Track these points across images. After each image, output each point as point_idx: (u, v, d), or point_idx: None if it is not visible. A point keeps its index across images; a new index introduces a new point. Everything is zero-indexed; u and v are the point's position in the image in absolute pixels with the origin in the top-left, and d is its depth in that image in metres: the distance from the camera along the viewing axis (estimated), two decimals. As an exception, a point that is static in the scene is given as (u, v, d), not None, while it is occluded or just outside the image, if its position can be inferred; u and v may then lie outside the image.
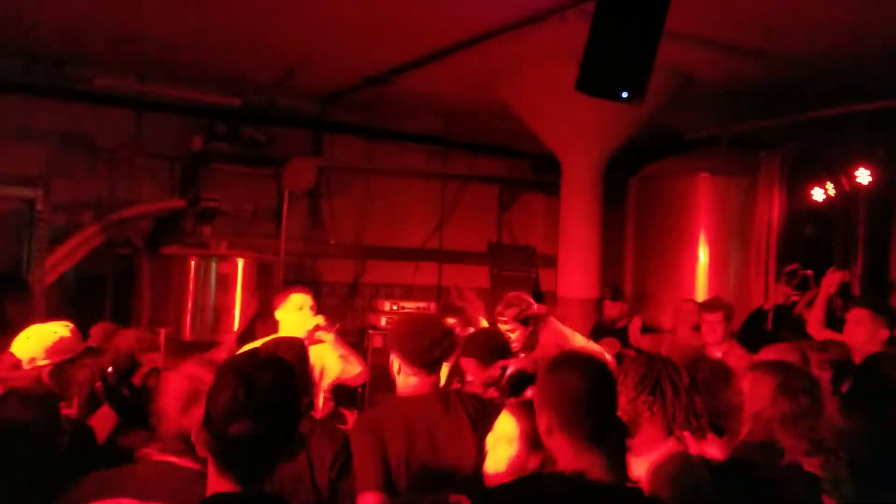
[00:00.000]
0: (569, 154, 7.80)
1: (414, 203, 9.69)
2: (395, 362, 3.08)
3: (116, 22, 6.30)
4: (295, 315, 4.36)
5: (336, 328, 4.64)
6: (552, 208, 8.84)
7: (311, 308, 4.44)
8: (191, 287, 6.96)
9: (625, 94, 4.77)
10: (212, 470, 1.78)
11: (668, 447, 2.48)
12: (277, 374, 1.79)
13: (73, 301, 7.44)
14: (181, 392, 2.23)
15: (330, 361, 4.51)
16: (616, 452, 2.11)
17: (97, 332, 3.89)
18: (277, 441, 1.77)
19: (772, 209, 7.80)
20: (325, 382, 4.50)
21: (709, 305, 5.44)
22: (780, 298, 5.81)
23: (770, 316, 5.79)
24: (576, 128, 7.44)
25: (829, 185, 7.75)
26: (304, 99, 8.45)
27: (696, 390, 2.58)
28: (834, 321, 5.31)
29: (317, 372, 4.12)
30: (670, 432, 2.51)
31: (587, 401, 2.07)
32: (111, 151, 7.75)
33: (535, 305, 5.24)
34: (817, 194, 7.86)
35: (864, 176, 7.41)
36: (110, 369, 3.45)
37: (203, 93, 7.83)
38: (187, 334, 6.91)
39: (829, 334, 4.92)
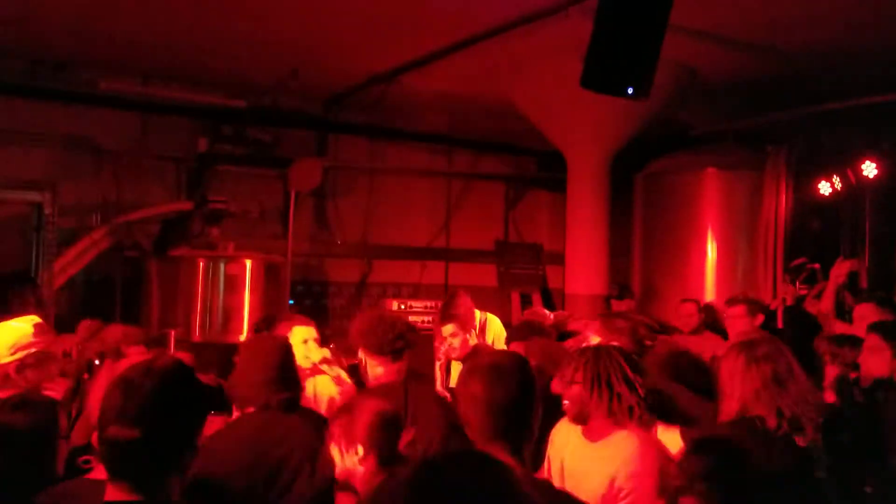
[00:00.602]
0: (574, 151, 7.79)
1: (420, 202, 9.69)
2: (362, 357, 3.40)
3: (120, 25, 6.32)
4: (299, 348, 4.16)
5: (345, 364, 4.59)
6: (559, 205, 8.83)
7: (316, 340, 4.35)
8: (199, 288, 6.97)
9: (630, 90, 4.76)
10: (108, 479, 1.79)
11: (620, 436, 2.77)
12: (163, 382, 1.80)
13: (83, 304, 7.46)
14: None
15: (326, 393, 4.28)
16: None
17: (82, 328, 3.89)
18: (160, 448, 1.77)
19: (779, 203, 7.77)
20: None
21: (730, 300, 5.46)
22: (789, 300, 5.80)
23: (779, 314, 5.78)
24: (581, 124, 7.43)
25: (836, 179, 7.72)
26: (309, 99, 8.47)
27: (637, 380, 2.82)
28: (843, 312, 5.30)
29: (323, 405, 4.00)
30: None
31: (487, 405, 2.24)
32: (117, 154, 7.77)
33: (551, 315, 5.41)
34: (824, 188, 7.83)
35: (870, 169, 7.38)
36: (96, 361, 3.48)
37: (208, 95, 7.85)
38: (197, 335, 6.92)
39: (840, 326, 4.91)
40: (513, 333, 4.62)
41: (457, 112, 8.99)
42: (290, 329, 4.27)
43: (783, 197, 7.76)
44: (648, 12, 4.61)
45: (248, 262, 7.22)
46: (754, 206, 7.89)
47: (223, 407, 3.46)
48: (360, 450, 2.52)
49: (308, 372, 4.11)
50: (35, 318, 3.26)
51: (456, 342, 4.74)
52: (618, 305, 7.24)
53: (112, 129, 7.76)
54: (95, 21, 6.23)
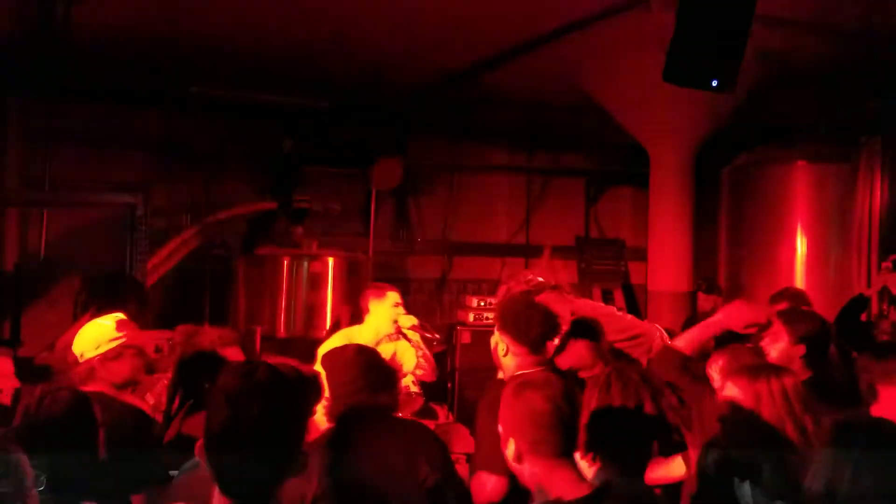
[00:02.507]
0: (657, 145, 7.64)
1: (500, 198, 9.69)
2: (502, 345, 3.19)
3: (207, 31, 6.51)
4: (391, 310, 4.69)
5: (431, 336, 4.88)
6: (641, 200, 8.69)
7: (402, 306, 4.81)
8: (284, 286, 7.15)
9: (714, 83, 4.65)
10: (214, 487, 1.81)
11: None
12: (268, 398, 1.77)
13: (174, 301, 7.75)
14: None
15: (407, 357, 4.72)
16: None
17: (179, 333, 4.06)
18: (270, 464, 1.78)
19: (874, 197, 7.45)
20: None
21: (777, 296, 5.34)
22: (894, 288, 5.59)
23: (874, 303, 5.59)
24: (664, 118, 7.28)
25: (936, 171, 7.38)
26: (390, 99, 8.55)
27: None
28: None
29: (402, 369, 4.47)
30: None
31: (551, 420, 2.15)
32: (206, 156, 8.02)
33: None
34: (923, 180, 7.49)
35: (972, 159, 7.03)
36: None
37: (292, 96, 8.02)
38: (282, 332, 7.09)
39: None
40: None
41: (537, 108, 8.93)
42: (385, 293, 4.71)
43: (878, 190, 7.44)
44: (733, 2, 4.49)
45: (331, 260, 7.35)
46: (847, 200, 7.59)
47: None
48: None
49: (393, 335, 4.65)
50: (118, 315, 3.42)
51: None
52: (705, 300, 7.09)
53: (201, 132, 8.01)
54: (183, 29, 6.43)
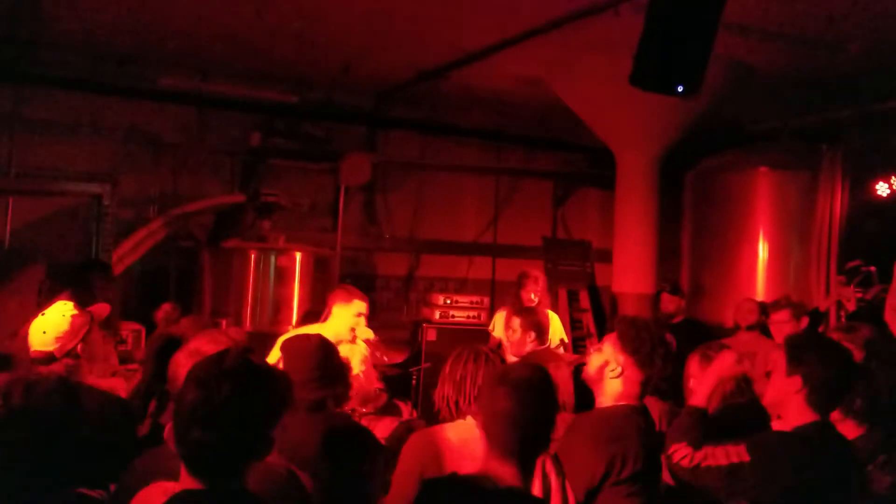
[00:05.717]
0: (624, 148, 7.75)
1: (468, 197, 9.74)
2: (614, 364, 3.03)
3: (178, 23, 6.48)
4: (352, 319, 4.59)
5: (380, 356, 4.89)
6: (608, 202, 8.79)
7: (365, 317, 4.67)
8: (250, 279, 7.13)
9: (680, 88, 4.73)
10: (182, 466, 1.84)
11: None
12: (238, 383, 1.81)
13: (138, 292, 7.69)
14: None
15: (354, 363, 4.58)
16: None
17: (163, 311, 4.05)
18: (238, 447, 1.82)
19: (833, 204, 7.62)
20: None
21: (775, 304, 5.39)
22: (852, 305, 5.66)
23: (832, 315, 5.70)
24: (630, 122, 7.38)
25: (894, 180, 7.54)
26: (360, 95, 8.57)
27: None
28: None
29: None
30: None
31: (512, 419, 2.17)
32: (175, 147, 7.97)
33: None
34: (881, 189, 7.65)
35: (930, 170, 7.21)
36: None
37: (262, 90, 8.01)
38: (247, 325, 7.07)
39: None
40: None
41: (506, 108, 9.00)
42: (352, 301, 4.59)
43: (838, 197, 7.61)
44: (700, 10, 4.57)
45: (298, 255, 7.35)
46: (808, 207, 7.76)
47: None
48: None
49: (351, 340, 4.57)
50: (67, 302, 3.26)
51: (515, 337, 4.68)
52: (668, 302, 7.20)
53: (170, 124, 7.96)
54: (154, 18, 6.40)
